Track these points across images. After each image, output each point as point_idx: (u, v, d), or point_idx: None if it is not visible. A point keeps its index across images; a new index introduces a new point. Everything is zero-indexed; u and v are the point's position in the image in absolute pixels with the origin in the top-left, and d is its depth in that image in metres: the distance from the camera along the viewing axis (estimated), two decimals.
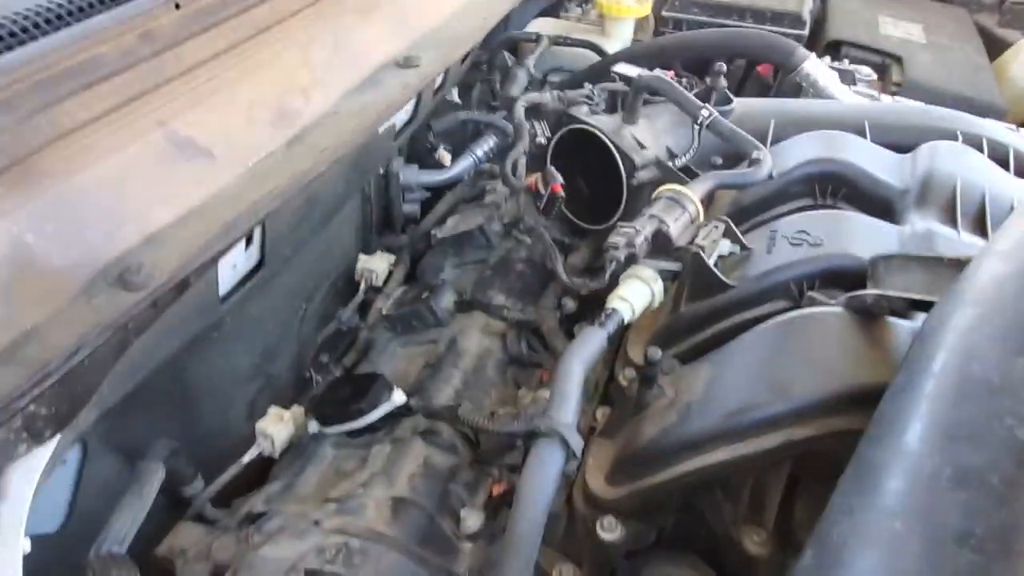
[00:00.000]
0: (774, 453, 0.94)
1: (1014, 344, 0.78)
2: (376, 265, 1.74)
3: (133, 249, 0.89)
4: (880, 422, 0.80)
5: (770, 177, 1.33)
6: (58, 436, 0.88)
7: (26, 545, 0.83)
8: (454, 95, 2.12)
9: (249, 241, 1.19)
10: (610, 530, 1.06)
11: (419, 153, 1.97)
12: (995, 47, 2.65)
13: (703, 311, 1.20)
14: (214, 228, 0.94)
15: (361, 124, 1.24)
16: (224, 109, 1.07)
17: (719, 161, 1.52)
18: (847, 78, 2.02)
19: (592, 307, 1.35)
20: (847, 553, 0.70)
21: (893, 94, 2.08)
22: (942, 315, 0.87)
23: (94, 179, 0.89)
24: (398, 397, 1.30)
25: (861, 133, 1.49)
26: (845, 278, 1.12)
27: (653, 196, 1.26)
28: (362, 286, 1.73)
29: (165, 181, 0.95)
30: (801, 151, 1.40)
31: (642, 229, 1.19)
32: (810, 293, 1.11)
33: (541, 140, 1.59)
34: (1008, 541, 0.64)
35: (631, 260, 1.18)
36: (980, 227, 1.22)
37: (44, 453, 0.87)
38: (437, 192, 1.95)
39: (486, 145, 1.97)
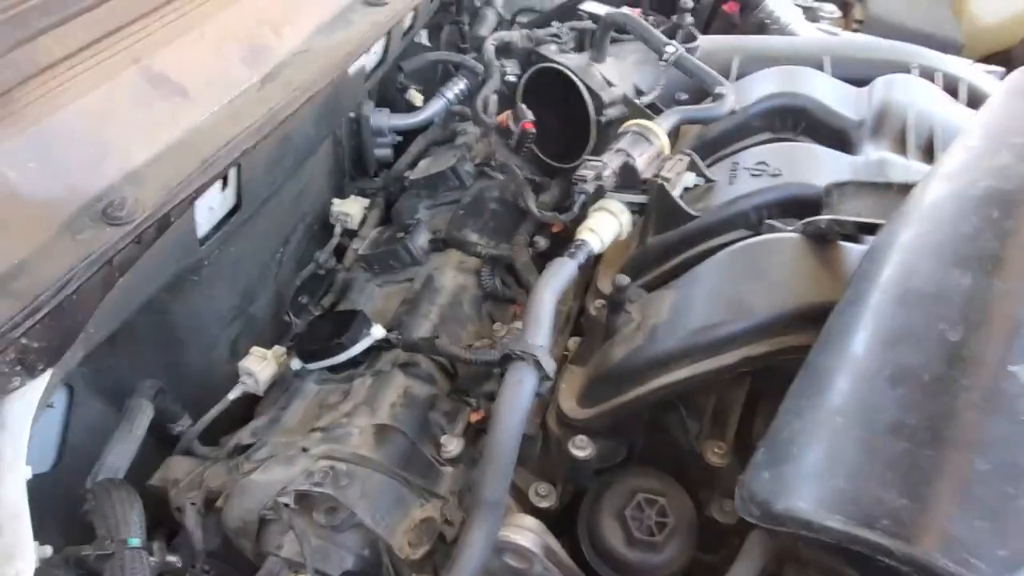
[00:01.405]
0: (733, 368, 1.00)
1: (949, 257, 0.84)
2: (350, 209, 1.75)
3: (115, 185, 0.91)
4: (829, 332, 0.87)
5: (733, 112, 1.37)
6: (50, 371, 0.91)
7: (28, 472, 0.87)
8: (423, 37, 2.11)
9: (225, 183, 1.21)
10: (581, 448, 1.12)
11: (390, 98, 1.98)
12: None
13: (668, 241, 1.25)
14: (192, 164, 0.97)
15: (333, 62, 1.25)
16: (196, 46, 1.08)
17: (684, 97, 1.56)
18: (811, 15, 2.06)
19: (564, 245, 1.39)
20: (795, 448, 0.77)
21: (855, 30, 2.13)
22: (888, 234, 0.93)
23: (73, 115, 0.90)
24: (377, 331, 1.34)
25: (821, 68, 1.53)
26: (802, 206, 1.18)
27: (620, 131, 1.30)
28: (337, 229, 1.75)
29: (142, 118, 0.96)
30: (763, 86, 1.44)
31: (609, 162, 1.23)
32: (768, 221, 1.17)
33: (511, 78, 1.61)
34: (936, 429, 0.71)
35: (599, 192, 1.23)
36: (929, 155, 1.28)
37: (38, 387, 0.90)
38: (409, 136, 1.96)
39: (457, 87, 1.97)
